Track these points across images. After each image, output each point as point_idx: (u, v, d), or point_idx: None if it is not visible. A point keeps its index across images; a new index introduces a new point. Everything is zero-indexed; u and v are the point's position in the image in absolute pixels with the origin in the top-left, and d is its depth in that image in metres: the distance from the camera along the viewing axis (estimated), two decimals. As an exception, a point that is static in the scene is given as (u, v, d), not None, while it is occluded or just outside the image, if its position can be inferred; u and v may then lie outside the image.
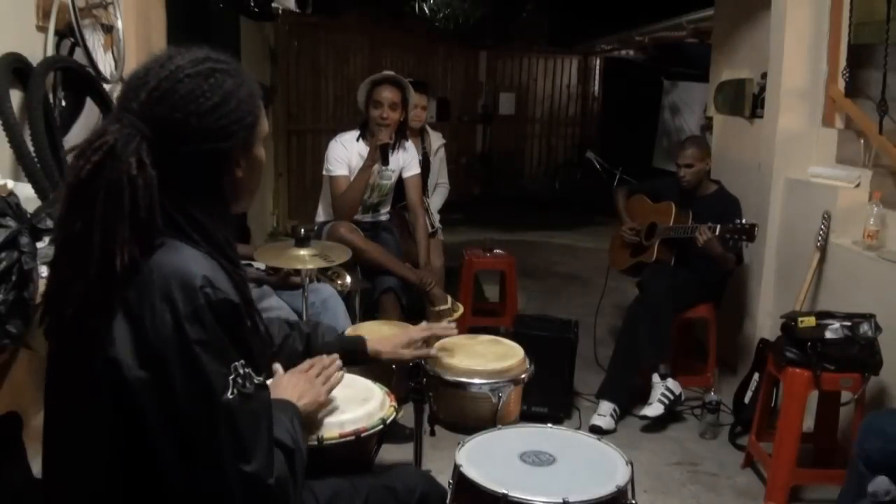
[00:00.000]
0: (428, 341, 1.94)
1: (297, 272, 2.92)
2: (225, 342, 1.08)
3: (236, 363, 1.09)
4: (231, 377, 1.08)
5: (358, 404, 1.62)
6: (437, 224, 4.43)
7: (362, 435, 1.54)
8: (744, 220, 3.32)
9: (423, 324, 2.04)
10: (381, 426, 1.59)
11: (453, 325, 2.05)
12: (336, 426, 1.53)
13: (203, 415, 1.06)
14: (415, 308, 3.80)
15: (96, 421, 1.10)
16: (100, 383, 1.07)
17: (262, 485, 1.10)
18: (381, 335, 2.01)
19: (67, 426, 1.16)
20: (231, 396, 1.07)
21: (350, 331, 2.24)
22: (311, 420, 1.47)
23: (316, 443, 1.47)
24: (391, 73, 3.81)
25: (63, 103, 2.68)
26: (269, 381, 1.38)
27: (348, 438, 1.52)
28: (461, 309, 3.84)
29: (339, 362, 1.59)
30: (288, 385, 1.47)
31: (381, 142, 3.54)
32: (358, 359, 1.81)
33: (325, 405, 1.54)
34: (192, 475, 1.08)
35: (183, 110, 1.10)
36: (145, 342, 1.06)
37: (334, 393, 1.59)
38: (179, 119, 1.10)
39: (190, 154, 1.12)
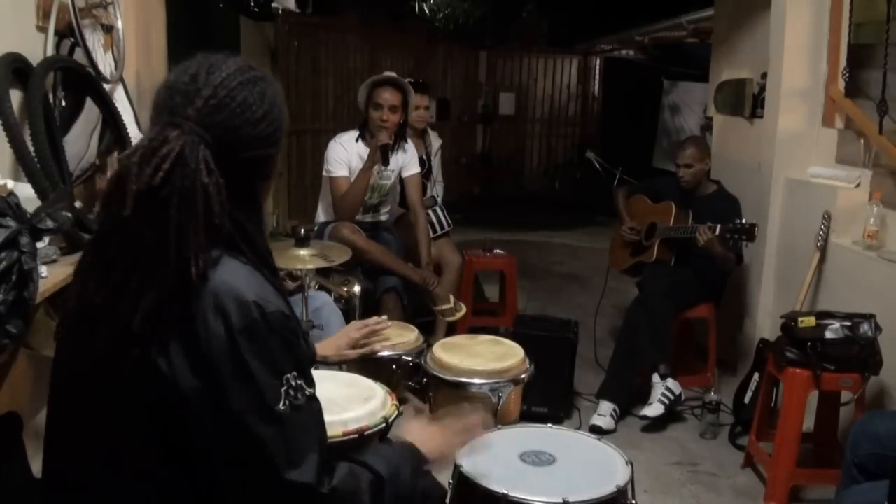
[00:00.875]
0: (369, 338, 2.02)
1: (293, 278, 2.91)
2: (277, 354, 1.09)
3: (288, 375, 1.10)
4: (283, 389, 1.09)
5: (360, 403, 1.63)
6: (451, 223, 4.43)
7: (365, 433, 1.55)
8: (744, 220, 3.33)
9: (358, 322, 2.10)
10: (383, 424, 1.59)
11: (384, 317, 2.12)
12: (339, 425, 1.54)
13: (254, 426, 1.07)
14: (416, 307, 3.80)
15: (130, 426, 1.09)
16: (147, 392, 1.06)
17: (315, 494, 1.10)
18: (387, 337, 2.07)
19: (85, 428, 1.14)
20: (283, 408, 1.08)
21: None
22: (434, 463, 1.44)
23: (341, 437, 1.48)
24: (392, 74, 3.81)
25: (63, 103, 2.68)
26: (405, 421, 1.41)
27: (351, 437, 1.53)
28: (464, 308, 3.84)
29: (479, 416, 1.55)
30: (423, 433, 1.42)
31: (381, 142, 3.54)
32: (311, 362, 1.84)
33: (323, 387, 1.56)
34: (240, 484, 1.09)
35: (240, 118, 1.13)
36: (199, 355, 1.06)
37: (337, 392, 1.60)
38: (237, 126, 1.12)
39: (245, 161, 1.15)
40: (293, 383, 1.10)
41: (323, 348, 1.93)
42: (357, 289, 3.28)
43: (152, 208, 1.06)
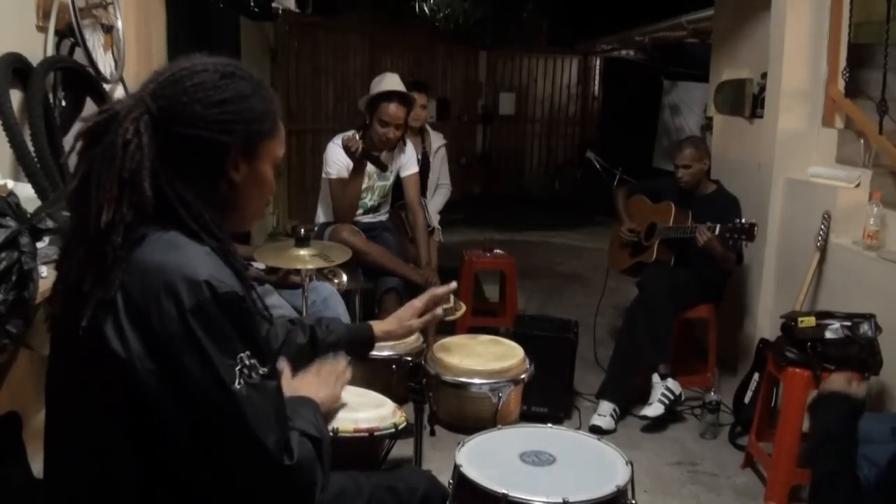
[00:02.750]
0: (432, 306, 1.90)
1: (297, 271, 2.92)
2: (230, 334, 1.11)
3: (242, 354, 1.11)
4: (237, 368, 1.10)
5: (372, 408, 1.65)
6: (436, 224, 4.43)
7: (375, 434, 1.57)
8: (743, 220, 3.32)
9: (424, 294, 1.97)
10: (392, 430, 1.61)
11: (453, 283, 1.99)
12: (351, 422, 1.55)
13: (212, 405, 1.09)
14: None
15: (108, 416, 1.11)
16: (110, 376, 1.09)
17: (281, 467, 1.14)
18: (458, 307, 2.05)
19: (75, 424, 1.16)
20: (238, 387, 1.10)
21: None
22: (327, 418, 1.51)
23: (331, 434, 1.49)
24: (398, 86, 3.73)
25: (63, 103, 2.68)
26: (281, 380, 1.39)
27: (362, 434, 1.55)
28: (463, 308, 3.83)
29: (343, 361, 1.63)
30: (301, 385, 1.50)
31: (363, 147, 3.52)
32: (368, 343, 1.82)
33: (339, 403, 1.58)
34: (206, 464, 1.12)
35: (190, 95, 1.16)
36: (153, 336, 1.08)
37: (349, 399, 1.62)
38: (185, 102, 1.16)
39: (188, 137, 1.16)
40: (247, 362, 1.12)
41: (387, 324, 1.86)
42: (345, 278, 3.28)
43: (84, 163, 1.15)
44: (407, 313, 1.86)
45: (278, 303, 2.94)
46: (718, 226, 3.33)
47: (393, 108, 3.58)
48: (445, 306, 3.70)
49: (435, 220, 4.43)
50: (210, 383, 1.09)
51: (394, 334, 1.86)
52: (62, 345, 1.19)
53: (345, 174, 3.65)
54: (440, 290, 1.90)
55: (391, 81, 3.79)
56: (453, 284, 1.97)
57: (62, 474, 1.20)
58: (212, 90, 1.17)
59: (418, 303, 1.88)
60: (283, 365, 1.56)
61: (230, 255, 1.20)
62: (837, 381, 1.97)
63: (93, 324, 1.09)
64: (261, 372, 1.14)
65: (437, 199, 4.59)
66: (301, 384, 1.51)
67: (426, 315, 1.88)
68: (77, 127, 1.21)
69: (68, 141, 2.59)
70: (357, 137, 3.58)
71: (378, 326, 1.83)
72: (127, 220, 1.11)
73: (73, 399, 1.16)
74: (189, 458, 1.11)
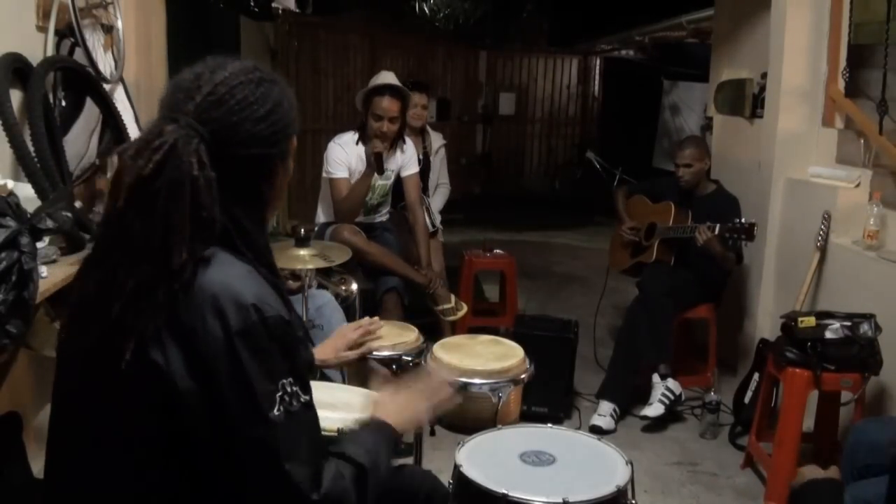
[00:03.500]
0: (364, 337, 2.02)
1: (295, 277, 2.91)
2: (275, 359, 1.09)
3: (284, 381, 1.09)
4: (279, 394, 1.08)
5: None
6: (438, 224, 4.43)
7: None
8: (743, 220, 3.32)
9: (352, 323, 2.11)
10: None
11: (376, 318, 2.11)
12: (351, 422, 1.54)
13: (247, 430, 1.07)
14: (417, 307, 3.80)
15: (138, 429, 1.09)
16: (145, 389, 1.07)
17: (305, 499, 1.10)
18: (381, 335, 2.09)
19: (94, 434, 1.13)
20: (277, 413, 1.08)
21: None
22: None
23: (335, 434, 1.48)
24: (391, 79, 3.77)
25: (63, 103, 2.68)
26: (376, 394, 1.43)
27: None
28: (465, 308, 3.85)
29: (447, 376, 1.66)
30: (392, 406, 1.43)
31: (375, 150, 3.54)
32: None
33: (337, 396, 1.58)
34: (234, 488, 1.09)
35: (238, 115, 1.13)
36: (196, 354, 1.06)
37: (352, 399, 1.61)
38: (235, 122, 1.13)
39: (242, 158, 1.14)
40: (289, 389, 1.10)
41: (321, 352, 1.92)
42: (354, 286, 3.28)
43: (144, 200, 1.07)
44: (341, 343, 1.96)
45: None
46: (718, 225, 3.33)
47: (385, 101, 3.59)
48: (446, 306, 3.74)
49: (437, 220, 4.43)
50: (247, 408, 1.06)
51: (327, 363, 1.94)
52: (86, 356, 1.14)
53: (345, 174, 3.65)
54: (372, 325, 2.04)
55: (385, 76, 3.81)
56: (377, 319, 2.10)
57: (69, 483, 1.17)
58: (255, 104, 1.14)
59: (352, 334, 1.98)
60: (385, 372, 1.56)
61: (276, 278, 1.19)
62: (811, 471, 1.93)
63: (136, 333, 1.06)
64: (302, 400, 1.12)
65: (436, 199, 4.59)
66: (392, 405, 1.42)
67: (361, 347, 1.99)
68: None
69: (68, 141, 2.59)
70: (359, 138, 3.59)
71: (316, 352, 1.89)
72: (197, 256, 1.08)
73: (88, 403, 1.13)
74: (215, 479, 1.09)
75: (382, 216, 3.94)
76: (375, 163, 3.54)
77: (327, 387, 1.85)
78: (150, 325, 1.05)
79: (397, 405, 1.43)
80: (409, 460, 2.14)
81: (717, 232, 3.33)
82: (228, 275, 1.10)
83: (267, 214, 1.25)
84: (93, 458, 1.13)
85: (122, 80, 3.06)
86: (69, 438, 1.18)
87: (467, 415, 1.99)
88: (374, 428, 1.32)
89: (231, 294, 1.08)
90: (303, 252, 2.63)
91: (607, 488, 1.53)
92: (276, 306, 1.11)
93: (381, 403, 1.43)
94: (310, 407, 1.14)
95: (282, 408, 1.08)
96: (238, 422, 1.06)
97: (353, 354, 1.95)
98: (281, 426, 1.07)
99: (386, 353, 2.18)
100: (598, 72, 10.85)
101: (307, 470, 1.11)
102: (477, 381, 1.97)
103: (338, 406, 1.59)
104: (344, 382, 2.31)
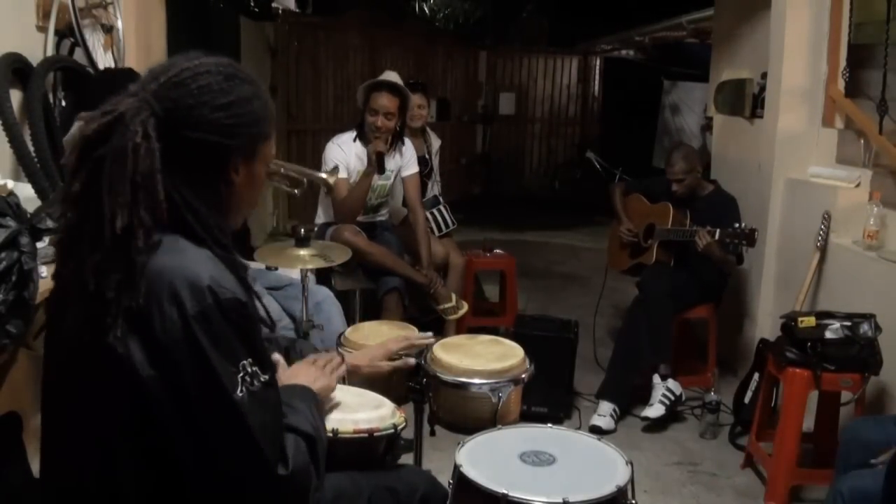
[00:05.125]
0: (408, 350, 1.94)
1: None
2: (233, 341, 1.10)
3: (244, 361, 1.11)
4: (240, 375, 1.10)
5: (371, 409, 1.64)
6: (455, 223, 4.43)
7: (375, 434, 1.56)
8: (743, 225, 3.28)
9: (400, 335, 2.04)
10: (392, 430, 1.60)
11: (430, 333, 2.04)
12: (351, 422, 1.55)
13: (213, 413, 1.08)
14: (418, 307, 3.80)
15: (110, 420, 1.10)
16: (113, 380, 1.08)
17: (276, 476, 1.13)
18: (381, 335, 2.07)
19: (76, 427, 1.15)
20: (240, 394, 1.09)
21: (350, 331, 2.25)
22: (322, 409, 1.49)
23: (330, 434, 1.49)
24: (391, 78, 3.77)
25: (63, 103, 2.68)
26: (277, 372, 1.41)
27: (361, 435, 1.54)
28: (465, 307, 3.85)
29: (338, 357, 1.65)
30: (299, 372, 1.50)
31: (376, 150, 3.54)
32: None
33: (333, 395, 1.57)
34: (206, 471, 1.11)
35: (196, 98, 1.15)
36: (155, 342, 1.07)
37: (348, 399, 1.61)
38: (191, 104, 1.15)
39: (194, 140, 1.15)
40: (249, 370, 1.11)
41: (356, 358, 1.86)
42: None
43: (90, 165, 1.11)
44: (380, 353, 1.88)
45: (274, 307, 2.92)
46: (718, 231, 3.31)
47: (382, 98, 3.60)
48: (448, 305, 3.74)
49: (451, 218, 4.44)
50: (212, 391, 1.08)
51: (360, 371, 1.84)
52: (63, 346, 1.17)
53: (344, 174, 3.65)
54: (420, 340, 1.97)
55: (387, 74, 3.82)
56: (430, 335, 2.03)
57: (61, 477, 1.19)
58: (217, 93, 1.16)
59: (394, 346, 1.90)
60: (279, 358, 1.57)
61: (234, 261, 1.19)
62: None
63: (98, 329, 1.07)
64: (262, 379, 1.13)
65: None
66: (298, 372, 1.50)
67: (398, 361, 1.89)
68: (77, 125, 1.18)
69: (68, 141, 2.59)
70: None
71: (349, 360, 1.82)
72: (146, 225, 1.09)
73: (74, 401, 1.15)
74: (187, 463, 1.10)
75: (382, 216, 3.94)
76: (377, 162, 3.54)
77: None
78: (131, 300, 1.06)
79: (311, 374, 1.48)
80: (409, 460, 2.14)
81: (717, 237, 3.31)
82: (183, 258, 1.11)
83: (228, 208, 1.24)
84: (75, 450, 1.15)
85: (122, 79, 3.06)
86: (54, 432, 1.20)
87: (467, 415, 1.99)
88: (303, 396, 1.35)
89: (186, 277, 1.09)
90: (303, 252, 2.63)
91: (607, 488, 1.53)
92: (232, 287, 1.12)
93: (291, 372, 1.49)
94: (270, 385, 1.16)
95: (244, 388, 1.10)
96: (202, 406, 1.08)
97: (387, 366, 1.87)
98: (245, 407, 1.09)
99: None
100: (598, 72, 10.84)
101: (273, 447, 1.13)
102: (477, 381, 1.97)
103: (332, 406, 1.59)
104: (344, 383, 2.30)
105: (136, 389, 1.07)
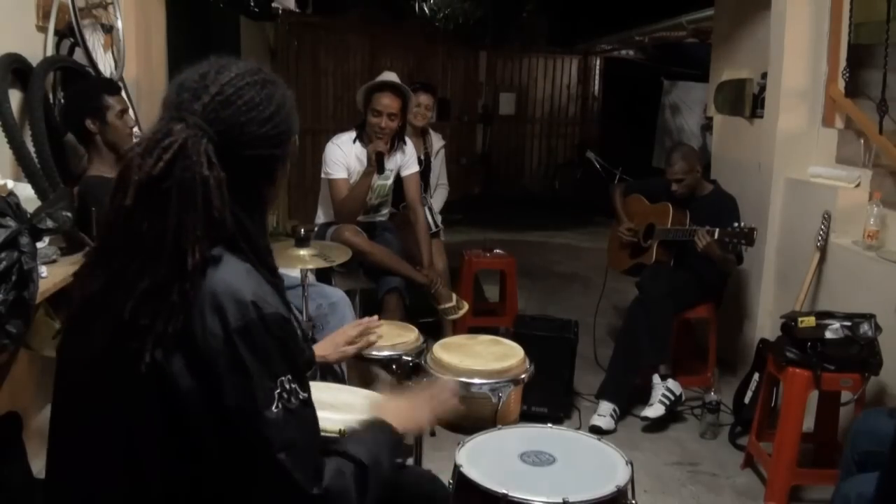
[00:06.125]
0: (364, 335, 2.03)
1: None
2: (274, 356, 1.09)
3: (283, 378, 1.10)
4: (277, 391, 1.09)
5: None
6: (440, 224, 4.43)
7: None
8: (743, 224, 3.28)
9: (354, 321, 2.14)
10: None
11: (375, 317, 2.13)
12: (352, 423, 1.54)
13: (247, 427, 1.07)
14: (418, 307, 3.80)
15: (141, 428, 1.09)
16: (149, 389, 1.07)
17: (308, 495, 1.11)
18: (381, 335, 2.09)
19: (97, 435, 1.13)
20: (276, 411, 1.08)
21: (350, 331, 2.25)
22: (400, 445, 1.45)
23: (337, 434, 1.48)
24: (393, 78, 3.76)
25: (63, 103, 2.68)
26: (379, 398, 1.46)
27: None
28: (466, 306, 3.85)
29: (452, 385, 1.68)
30: (389, 408, 1.44)
31: (377, 150, 3.54)
32: (308, 365, 1.84)
33: (341, 396, 1.58)
34: (236, 485, 1.10)
35: (246, 115, 1.13)
36: (195, 352, 1.06)
37: (355, 401, 1.61)
38: (242, 122, 1.13)
39: (247, 159, 1.15)
40: (287, 386, 1.10)
41: (321, 348, 1.94)
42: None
43: (153, 200, 1.07)
44: (341, 339, 1.98)
45: None
46: (717, 230, 3.31)
47: (385, 98, 3.59)
48: (448, 305, 3.74)
49: (439, 220, 4.43)
50: (246, 405, 1.06)
51: (328, 358, 1.95)
52: (85, 357, 1.13)
53: (344, 174, 3.65)
54: (371, 324, 2.05)
55: (386, 75, 3.81)
56: (375, 318, 2.11)
57: (65, 475, 1.17)
58: (261, 106, 1.15)
59: (352, 331, 2.00)
60: (385, 376, 1.57)
61: (274, 275, 1.19)
62: None
63: (130, 350, 1.05)
64: (301, 397, 1.12)
65: (436, 200, 4.59)
66: (390, 408, 1.44)
67: (360, 342, 2.00)
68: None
69: (69, 140, 2.60)
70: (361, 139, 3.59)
71: (317, 351, 1.91)
72: (206, 257, 1.08)
73: (90, 404, 1.13)
74: (217, 476, 1.09)
75: (382, 216, 3.94)
76: (376, 162, 3.54)
77: (329, 388, 1.85)
78: (167, 326, 1.05)
79: (399, 408, 1.45)
80: (410, 461, 2.14)
81: (716, 237, 3.31)
82: (228, 273, 1.10)
83: (266, 214, 1.26)
84: (96, 459, 1.13)
85: (122, 80, 3.06)
86: (72, 439, 1.17)
87: (467, 415, 1.99)
88: (375, 428, 1.33)
89: (230, 292, 1.08)
90: (303, 252, 2.63)
91: (607, 488, 1.53)
92: (275, 304, 1.12)
93: (383, 405, 1.45)
94: (308, 404, 1.14)
95: (280, 405, 1.08)
96: (237, 419, 1.07)
97: (351, 349, 1.97)
98: (280, 423, 1.08)
99: (386, 352, 2.18)
100: (598, 72, 10.84)
101: (307, 465, 1.11)
102: (477, 381, 1.97)
103: (339, 407, 1.59)
104: (345, 383, 2.31)
105: (173, 401, 1.06)
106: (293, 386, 1.11)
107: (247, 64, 1.19)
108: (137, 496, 1.10)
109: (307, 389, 1.14)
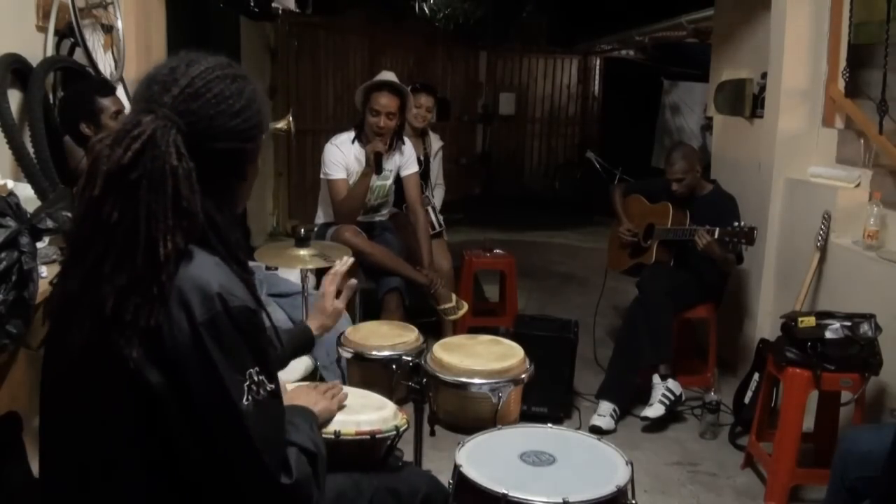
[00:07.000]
0: (343, 282, 2.01)
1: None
2: (241, 349, 1.10)
3: (251, 370, 1.10)
4: (246, 384, 1.09)
5: (374, 410, 1.65)
6: (443, 224, 4.43)
7: (377, 436, 1.56)
8: (742, 224, 3.28)
9: (326, 278, 2.04)
10: (394, 432, 1.61)
11: (345, 256, 2.14)
12: (353, 424, 1.56)
13: (219, 421, 1.08)
14: (418, 307, 3.80)
15: (116, 425, 1.10)
16: (119, 385, 1.07)
17: (280, 485, 1.13)
18: (381, 335, 2.13)
19: (78, 431, 1.14)
20: (246, 403, 1.08)
21: (350, 331, 2.26)
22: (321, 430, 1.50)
23: (332, 436, 1.50)
24: (391, 78, 3.77)
25: (58, 107, 2.68)
26: (378, 398, 1.49)
27: (363, 437, 1.55)
28: (465, 306, 3.85)
29: (339, 385, 1.69)
30: (300, 394, 1.52)
31: (375, 150, 3.54)
32: (310, 344, 1.92)
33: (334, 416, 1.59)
34: (211, 478, 1.10)
35: (215, 108, 1.13)
36: (162, 348, 1.06)
37: (351, 401, 1.63)
38: (212, 115, 1.13)
39: (217, 152, 1.15)
40: (255, 378, 1.11)
41: (315, 322, 1.93)
42: (349, 258, 3.26)
43: (122, 191, 1.07)
44: (328, 301, 1.95)
45: (281, 317, 2.92)
46: (717, 230, 3.31)
47: (383, 98, 3.59)
48: (448, 305, 3.74)
49: (440, 219, 4.43)
50: (217, 399, 1.07)
51: (326, 325, 1.95)
52: (66, 353, 1.15)
53: (343, 174, 3.65)
54: (338, 267, 2.02)
55: (384, 74, 3.81)
56: (348, 259, 2.10)
57: (62, 484, 1.18)
58: (231, 99, 1.15)
59: (331, 287, 1.97)
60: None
61: (244, 269, 1.19)
62: None
63: (111, 346, 1.06)
64: (268, 388, 1.13)
65: (435, 199, 4.59)
66: (299, 394, 1.52)
67: (344, 292, 1.98)
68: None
69: (68, 141, 2.59)
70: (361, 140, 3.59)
71: (313, 324, 1.92)
72: (180, 248, 1.08)
73: (77, 407, 1.14)
74: (192, 470, 1.10)
75: (382, 216, 3.94)
76: (374, 162, 3.54)
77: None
78: (150, 320, 1.05)
79: (312, 398, 1.52)
80: (410, 461, 2.14)
81: (716, 236, 3.31)
82: (196, 267, 1.10)
83: (236, 205, 1.25)
84: (82, 457, 1.14)
85: (122, 80, 3.06)
86: (58, 437, 1.18)
87: (467, 415, 2.00)
88: (303, 415, 1.36)
89: (197, 285, 1.08)
90: (303, 252, 2.63)
91: (607, 488, 1.53)
92: (243, 296, 1.12)
93: (298, 393, 1.52)
94: (276, 395, 1.16)
95: (250, 397, 1.09)
96: (209, 413, 1.07)
97: (340, 302, 1.96)
98: (250, 415, 1.09)
99: (386, 352, 2.18)
100: (598, 72, 10.84)
101: (277, 456, 1.13)
102: (477, 381, 1.97)
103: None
104: (345, 383, 2.31)
105: (144, 396, 1.06)
106: (261, 378, 1.11)
107: (217, 58, 1.19)
108: (116, 490, 1.11)
109: (274, 381, 1.15)
